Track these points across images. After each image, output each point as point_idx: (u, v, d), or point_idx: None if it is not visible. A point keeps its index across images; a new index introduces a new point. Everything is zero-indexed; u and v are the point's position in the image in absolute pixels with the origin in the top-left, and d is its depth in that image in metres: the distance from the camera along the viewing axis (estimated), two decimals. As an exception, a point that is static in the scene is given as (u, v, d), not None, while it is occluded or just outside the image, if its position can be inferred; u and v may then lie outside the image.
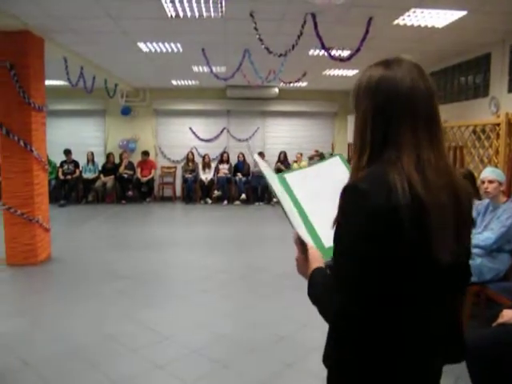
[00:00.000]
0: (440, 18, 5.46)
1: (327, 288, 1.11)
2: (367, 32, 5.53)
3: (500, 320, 2.61)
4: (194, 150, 12.45)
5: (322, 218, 1.31)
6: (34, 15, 5.41)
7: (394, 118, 1.09)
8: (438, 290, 1.12)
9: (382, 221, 1.01)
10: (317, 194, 1.42)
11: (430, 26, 5.74)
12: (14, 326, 3.97)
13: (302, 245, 1.29)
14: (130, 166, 11.88)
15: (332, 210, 1.22)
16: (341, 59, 6.24)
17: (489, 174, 3.72)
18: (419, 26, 5.78)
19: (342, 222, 1.08)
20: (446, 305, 1.16)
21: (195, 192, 11.90)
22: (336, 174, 1.50)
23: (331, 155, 1.65)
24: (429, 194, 1.03)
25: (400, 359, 1.10)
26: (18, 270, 5.67)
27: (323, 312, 1.13)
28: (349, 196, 1.07)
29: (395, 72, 1.12)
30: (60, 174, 11.33)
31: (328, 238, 1.25)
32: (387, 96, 1.10)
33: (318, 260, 1.25)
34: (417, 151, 1.07)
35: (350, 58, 6.07)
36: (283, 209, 1.32)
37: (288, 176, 1.49)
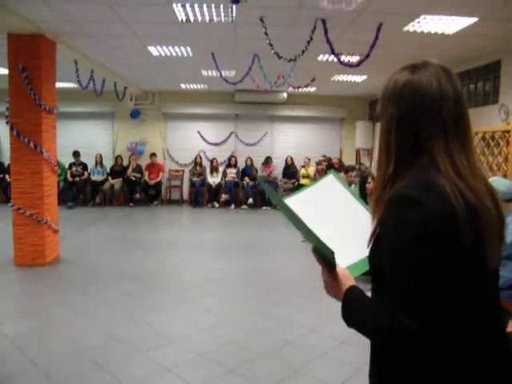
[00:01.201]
0: (450, 25, 5.46)
1: (374, 305, 1.06)
2: (377, 38, 5.53)
3: (510, 328, 2.59)
4: (202, 154, 12.48)
5: (331, 238, 1.26)
6: (47, 19, 5.47)
7: (422, 122, 1.07)
8: (486, 297, 1.08)
9: (439, 227, 0.97)
10: (319, 216, 1.35)
11: (440, 32, 5.75)
12: (22, 327, 3.99)
13: (327, 266, 1.21)
14: (138, 168, 11.93)
15: (339, 230, 1.21)
16: (350, 65, 6.24)
17: None
18: (429, 33, 5.78)
19: (392, 234, 1.02)
20: (493, 312, 1.11)
21: (202, 196, 11.93)
22: (333, 194, 1.47)
23: (326, 173, 1.61)
24: (476, 199, 1.01)
25: (452, 374, 1.03)
26: (26, 271, 5.70)
27: (372, 331, 1.06)
28: (398, 205, 1.02)
29: (420, 76, 1.10)
30: (68, 175, 11.40)
31: (341, 257, 1.22)
32: (413, 100, 1.08)
33: (349, 278, 1.17)
34: (450, 155, 1.05)
35: (359, 63, 6.07)
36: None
37: (288, 201, 1.42)
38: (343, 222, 1.33)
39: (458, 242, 0.98)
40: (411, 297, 0.97)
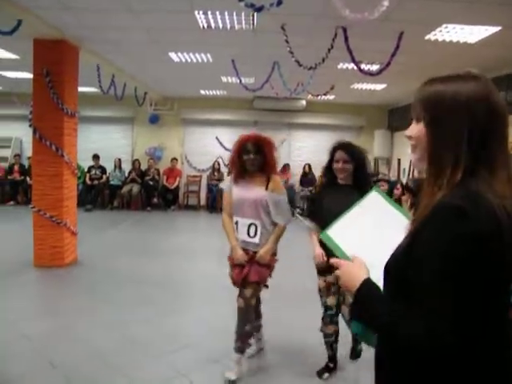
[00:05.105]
0: (473, 34, 5.41)
1: (400, 311, 1.05)
2: (398, 47, 5.51)
3: None
4: (220, 160, 12.52)
5: (374, 263, 1.25)
6: (71, 26, 5.58)
7: (488, 134, 1.07)
8: (507, 308, 1.08)
9: (486, 243, 0.96)
10: (364, 242, 1.34)
11: (462, 41, 5.70)
12: (41, 328, 4.04)
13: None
14: (156, 173, 12.02)
15: (384, 248, 1.20)
16: (370, 73, 6.22)
17: None
18: (451, 42, 5.74)
19: (436, 245, 1.00)
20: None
21: (220, 201, 11.96)
22: (378, 211, 1.45)
23: (370, 189, 1.57)
24: None
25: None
26: (44, 272, 5.77)
27: (395, 336, 1.05)
28: (446, 216, 1.01)
29: (488, 88, 1.10)
30: (87, 178, 11.55)
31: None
32: (486, 112, 1.07)
33: (364, 272, 1.20)
34: (507, 170, 1.05)
35: (379, 72, 6.05)
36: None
37: (331, 231, 1.40)
38: (389, 242, 1.30)
39: (502, 258, 0.97)
40: (452, 312, 0.96)
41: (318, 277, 3.27)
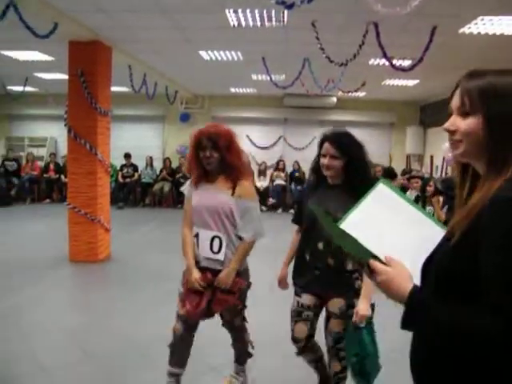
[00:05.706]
0: (510, 26, 5.25)
1: (461, 310, 1.02)
2: (431, 41, 5.40)
3: None
4: (251, 158, 12.55)
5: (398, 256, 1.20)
6: (105, 27, 5.70)
7: None
8: None
9: None
10: (377, 235, 1.25)
11: (498, 33, 5.54)
12: (76, 320, 4.16)
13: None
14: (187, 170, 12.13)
15: (398, 243, 1.17)
16: (403, 69, 6.12)
17: None
18: (486, 34, 5.58)
19: (494, 235, 0.99)
20: None
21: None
22: (387, 204, 1.35)
23: (377, 181, 1.40)
24: None
25: None
26: (79, 267, 5.92)
27: (462, 337, 1.01)
28: (504, 208, 0.99)
29: None
30: (120, 177, 11.75)
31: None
32: None
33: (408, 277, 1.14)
34: None
35: (412, 68, 5.94)
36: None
37: (343, 225, 1.29)
38: (406, 238, 1.26)
39: None
40: None
41: (294, 295, 2.75)
